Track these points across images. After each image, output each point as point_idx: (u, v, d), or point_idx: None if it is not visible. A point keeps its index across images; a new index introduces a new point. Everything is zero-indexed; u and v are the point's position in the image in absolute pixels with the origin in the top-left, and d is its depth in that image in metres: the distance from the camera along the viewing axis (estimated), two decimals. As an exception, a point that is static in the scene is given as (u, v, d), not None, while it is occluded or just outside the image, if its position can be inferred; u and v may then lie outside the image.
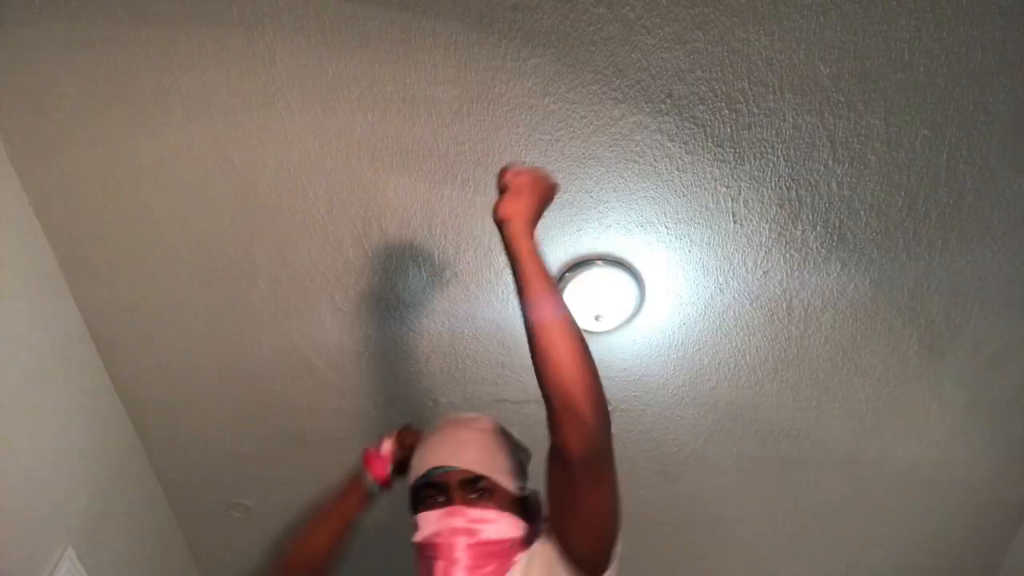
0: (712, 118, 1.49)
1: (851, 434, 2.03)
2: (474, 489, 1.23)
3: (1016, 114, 1.46)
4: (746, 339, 1.84)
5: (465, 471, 1.23)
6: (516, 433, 1.38)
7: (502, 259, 1.69)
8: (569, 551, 1.14)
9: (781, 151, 1.53)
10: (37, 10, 1.35)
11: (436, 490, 1.25)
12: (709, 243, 1.67)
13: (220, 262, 1.71)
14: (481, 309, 1.78)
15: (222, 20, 1.38)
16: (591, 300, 1.74)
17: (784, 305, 1.77)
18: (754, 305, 1.78)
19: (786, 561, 2.39)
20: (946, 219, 1.62)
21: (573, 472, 1.09)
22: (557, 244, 1.68)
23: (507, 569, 1.19)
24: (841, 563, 2.38)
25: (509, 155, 1.55)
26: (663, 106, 1.47)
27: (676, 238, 1.67)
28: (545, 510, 1.23)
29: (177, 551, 2.24)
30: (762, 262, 1.70)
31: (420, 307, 1.79)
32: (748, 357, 1.88)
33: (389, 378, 1.92)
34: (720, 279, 1.73)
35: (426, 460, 1.28)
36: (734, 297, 1.76)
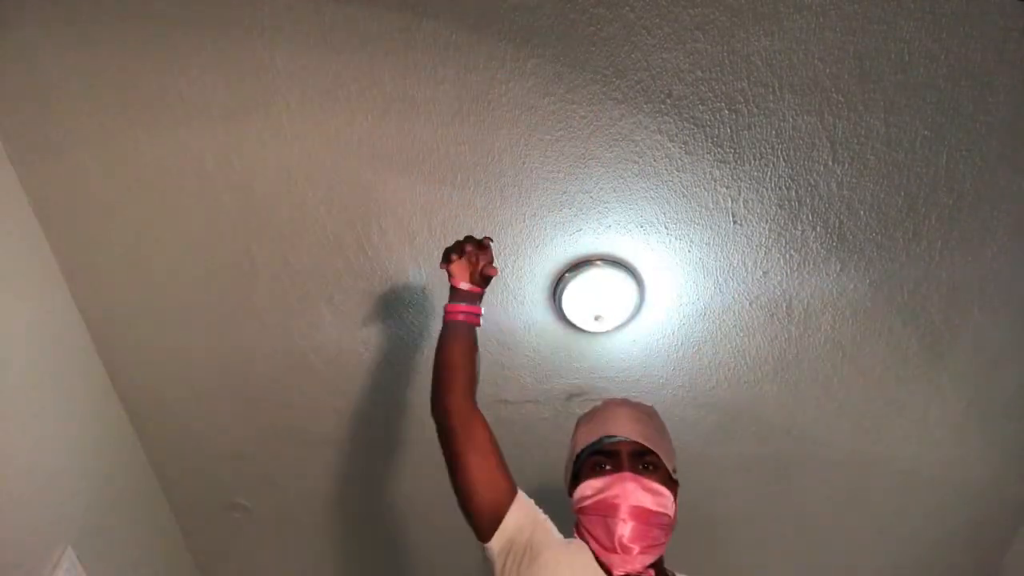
0: (712, 118, 1.49)
1: (851, 434, 2.03)
2: (643, 461, 1.30)
3: (1016, 114, 1.46)
4: (746, 339, 1.84)
5: (636, 443, 1.30)
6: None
7: (501, 259, 1.69)
8: None
9: (781, 151, 1.53)
10: (37, 10, 1.35)
11: (606, 457, 1.31)
12: (709, 243, 1.67)
13: (220, 262, 1.71)
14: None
15: (222, 20, 1.38)
16: (591, 300, 1.74)
17: (784, 305, 1.77)
18: (754, 305, 1.78)
19: (786, 561, 2.38)
20: (946, 219, 1.62)
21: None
22: (557, 244, 1.68)
23: (661, 550, 1.27)
24: (841, 563, 2.38)
25: (509, 155, 1.55)
26: (663, 106, 1.47)
27: (676, 238, 1.67)
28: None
29: (177, 551, 2.24)
30: (762, 262, 1.70)
31: (420, 307, 1.79)
32: (748, 357, 1.88)
33: (389, 378, 1.92)
34: (720, 279, 1.73)
35: (596, 430, 1.34)
36: (734, 297, 1.76)
